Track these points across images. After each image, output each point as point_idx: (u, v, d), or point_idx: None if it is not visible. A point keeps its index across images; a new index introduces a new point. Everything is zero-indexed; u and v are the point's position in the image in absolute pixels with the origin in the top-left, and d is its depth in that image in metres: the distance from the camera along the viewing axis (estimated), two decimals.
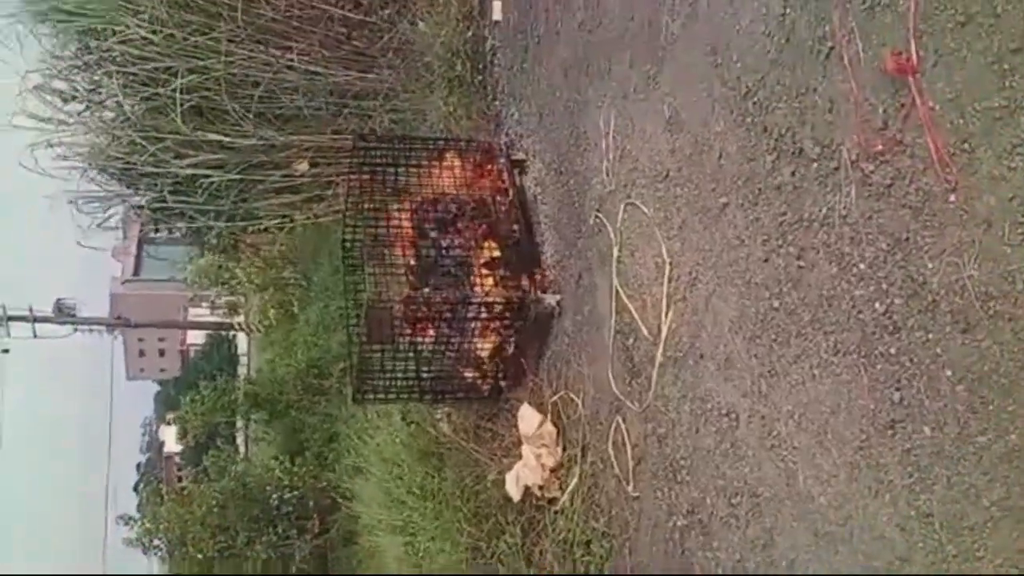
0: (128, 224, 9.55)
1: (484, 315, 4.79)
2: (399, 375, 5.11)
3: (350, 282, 5.26)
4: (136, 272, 32.59)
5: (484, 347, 5.00)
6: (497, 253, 4.96)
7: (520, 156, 5.24)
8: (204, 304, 18.59)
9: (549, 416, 4.65)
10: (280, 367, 10.56)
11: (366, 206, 5.24)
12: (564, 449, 4.53)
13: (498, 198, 5.14)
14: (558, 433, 4.58)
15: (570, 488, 4.41)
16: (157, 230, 11.58)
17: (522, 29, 5.18)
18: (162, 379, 49.94)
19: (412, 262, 5.06)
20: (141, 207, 7.91)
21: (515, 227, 4.99)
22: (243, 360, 22.47)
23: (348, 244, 5.21)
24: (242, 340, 22.71)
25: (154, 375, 51.39)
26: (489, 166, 5.29)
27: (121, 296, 34.04)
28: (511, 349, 4.97)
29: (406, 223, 5.17)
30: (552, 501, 4.55)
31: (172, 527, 9.23)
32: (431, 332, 4.96)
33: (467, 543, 5.05)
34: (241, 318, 15.79)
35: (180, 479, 22.16)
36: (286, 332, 11.33)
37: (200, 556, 8.85)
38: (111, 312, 25.73)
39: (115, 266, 33.23)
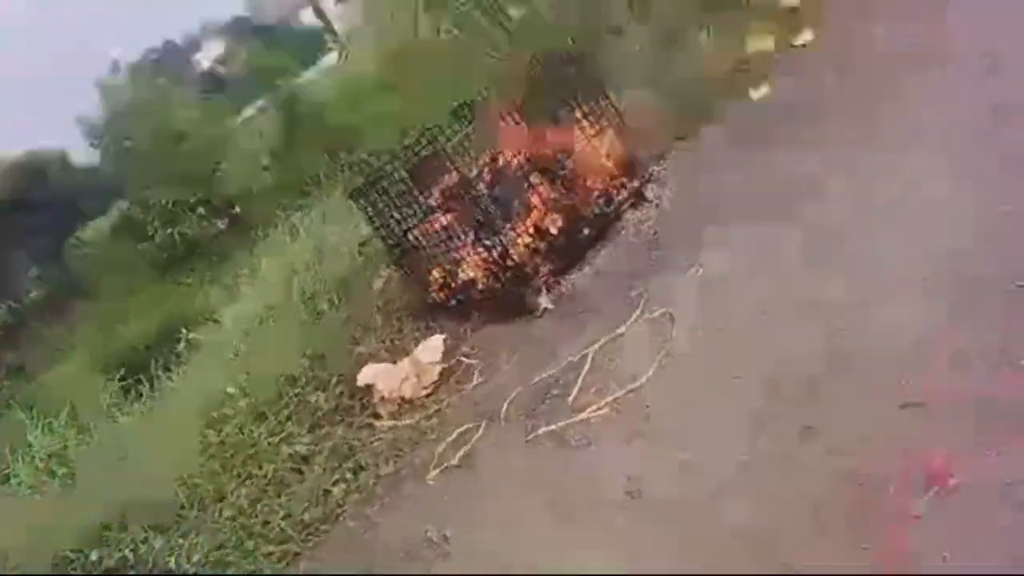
0: None
1: (489, 256, 4.75)
2: None
3: None
4: None
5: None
6: (553, 231, 4.86)
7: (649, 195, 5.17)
8: None
9: (447, 365, 4.62)
10: None
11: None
12: (428, 395, 4.49)
13: (604, 200, 5.05)
14: (437, 382, 4.54)
15: (397, 423, 4.37)
16: None
17: None
18: None
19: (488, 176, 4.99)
20: None
21: (588, 231, 4.93)
22: None
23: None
24: None
25: None
26: (622, 172, 5.20)
27: None
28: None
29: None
30: (376, 416, 4.51)
31: None
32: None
33: (296, 372, 4.99)
34: None
35: None
36: None
37: None
38: None
39: None
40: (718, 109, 5.52)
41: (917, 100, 4.19)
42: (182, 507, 4.18)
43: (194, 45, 24.27)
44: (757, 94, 5.75)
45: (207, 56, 24.20)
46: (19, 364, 11.78)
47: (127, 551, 4.00)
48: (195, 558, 3.84)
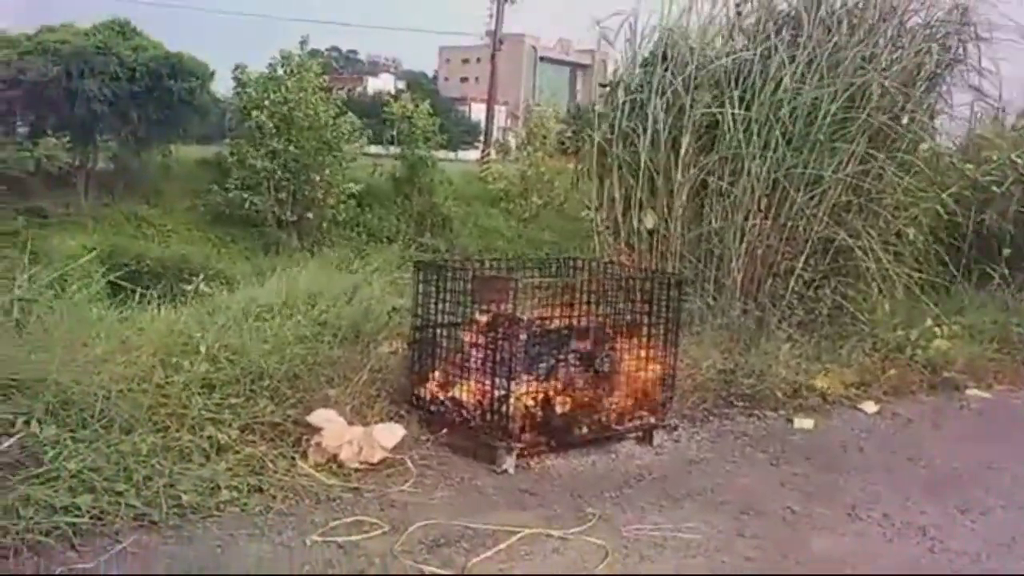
0: None
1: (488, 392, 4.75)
2: None
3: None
4: None
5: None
6: (558, 410, 4.87)
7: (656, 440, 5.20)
8: None
9: (390, 456, 4.57)
10: None
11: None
12: (356, 470, 4.43)
13: (614, 417, 5.08)
14: (372, 465, 4.48)
15: (314, 475, 4.30)
16: None
17: None
18: None
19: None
20: None
21: (585, 432, 4.93)
22: None
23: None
24: None
25: None
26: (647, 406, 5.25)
27: None
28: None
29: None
30: (303, 456, 4.45)
31: None
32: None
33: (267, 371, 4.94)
34: None
35: None
36: None
37: None
38: None
39: None
40: None
41: None
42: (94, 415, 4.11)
43: None
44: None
45: None
46: None
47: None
48: (71, 464, 3.74)
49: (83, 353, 4.58)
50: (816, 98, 7.28)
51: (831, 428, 5.93)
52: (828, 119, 7.23)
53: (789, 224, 7.37)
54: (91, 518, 3.60)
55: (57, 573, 3.30)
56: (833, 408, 6.29)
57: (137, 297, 6.32)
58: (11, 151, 20.82)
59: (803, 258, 7.39)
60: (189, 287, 6.08)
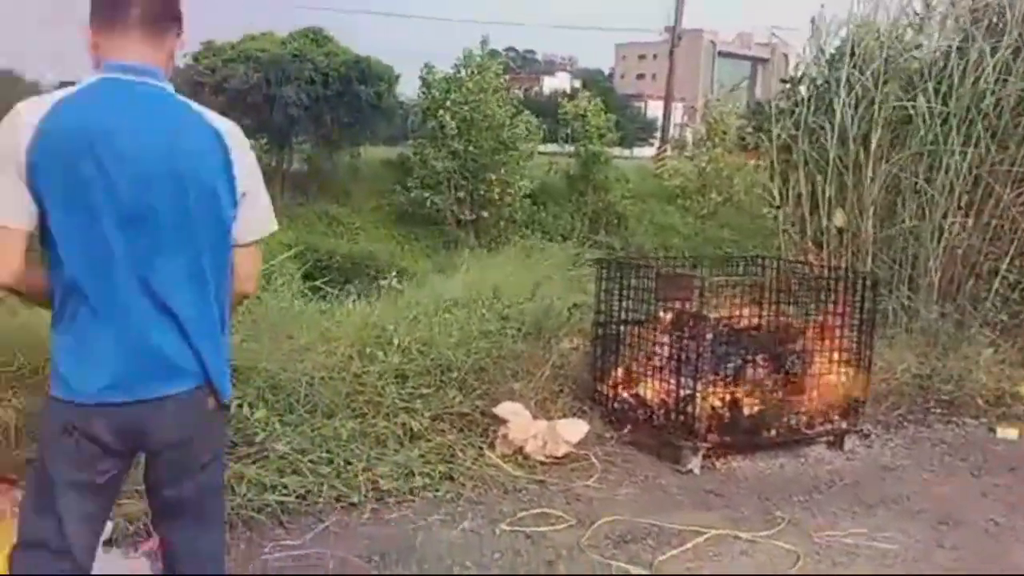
0: None
1: (673, 392, 4.72)
2: None
3: None
4: None
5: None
6: (745, 411, 4.79)
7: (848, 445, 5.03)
8: None
9: (574, 451, 4.63)
10: None
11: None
12: (541, 463, 4.51)
13: (805, 421, 4.95)
14: (557, 459, 4.55)
15: (502, 466, 4.41)
16: None
17: None
18: None
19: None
20: None
21: (773, 434, 4.83)
22: None
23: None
24: None
25: None
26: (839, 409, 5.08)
27: None
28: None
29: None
30: (490, 446, 4.57)
31: None
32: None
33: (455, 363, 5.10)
34: None
35: None
36: None
37: None
38: None
39: None
40: None
41: None
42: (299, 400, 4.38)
43: None
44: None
45: None
46: None
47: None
48: (279, 445, 4.00)
49: (288, 343, 4.88)
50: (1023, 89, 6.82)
51: None
52: None
53: (993, 223, 6.93)
54: (297, 497, 3.84)
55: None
56: None
57: (333, 292, 6.69)
58: None
59: (1008, 258, 6.93)
60: (383, 282, 6.36)
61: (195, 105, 2.13)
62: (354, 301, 6.25)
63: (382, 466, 4.15)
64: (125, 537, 3.40)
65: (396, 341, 5.07)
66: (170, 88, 2.11)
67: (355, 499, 3.92)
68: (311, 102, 22.41)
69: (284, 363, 4.57)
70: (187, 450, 2.15)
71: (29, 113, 1.97)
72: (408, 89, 27.65)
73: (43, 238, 2.03)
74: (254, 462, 3.95)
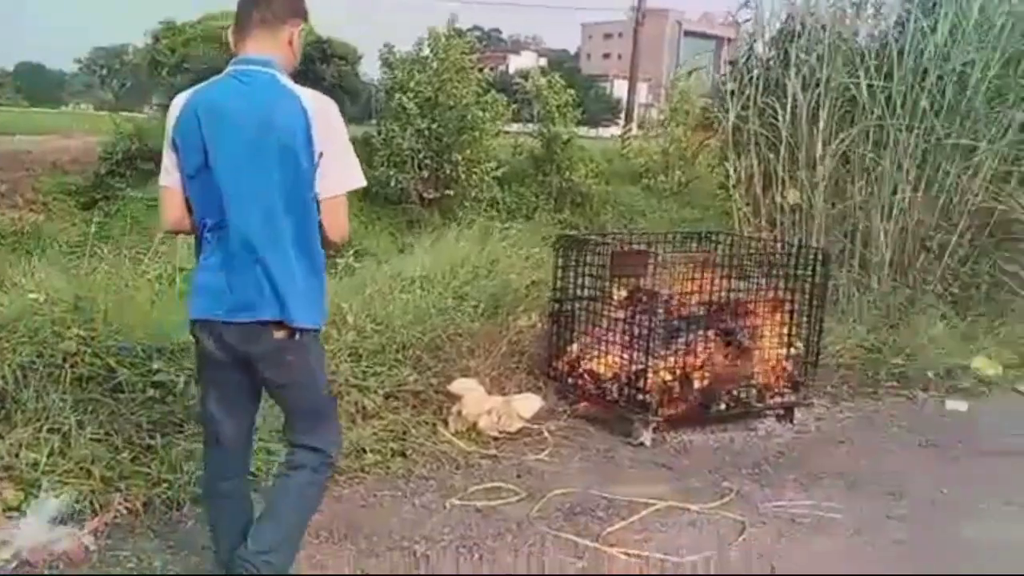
0: None
1: (625, 367, 4.77)
2: None
3: None
4: None
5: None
6: (696, 385, 4.85)
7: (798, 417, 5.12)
8: None
9: (528, 426, 4.68)
10: None
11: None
12: (494, 438, 4.54)
13: (755, 393, 5.02)
14: (510, 434, 4.59)
15: (455, 442, 4.44)
16: None
17: None
18: None
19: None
20: None
21: (724, 408, 4.90)
22: None
23: None
24: None
25: None
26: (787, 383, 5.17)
27: None
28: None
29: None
30: (444, 423, 4.59)
31: None
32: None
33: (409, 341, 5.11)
34: None
35: None
36: None
37: None
38: None
39: None
40: None
41: None
42: None
43: None
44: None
45: None
46: None
47: None
48: None
49: None
50: (965, 64, 6.91)
51: (987, 411, 5.66)
52: (984, 86, 6.86)
53: (943, 197, 7.03)
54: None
55: None
56: (990, 390, 6.00)
57: None
58: None
59: (958, 233, 7.05)
60: (340, 261, 6.33)
61: (292, 86, 2.62)
62: None
63: None
64: (73, 515, 3.39)
65: (351, 319, 5.06)
66: (278, 73, 2.64)
67: None
68: None
69: None
70: (269, 367, 2.66)
71: (178, 100, 2.65)
72: (372, 69, 27.44)
73: (186, 191, 2.64)
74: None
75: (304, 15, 2.78)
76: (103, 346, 4.10)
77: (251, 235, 2.56)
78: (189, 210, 2.67)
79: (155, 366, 4.14)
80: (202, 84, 2.68)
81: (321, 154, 2.57)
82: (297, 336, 2.62)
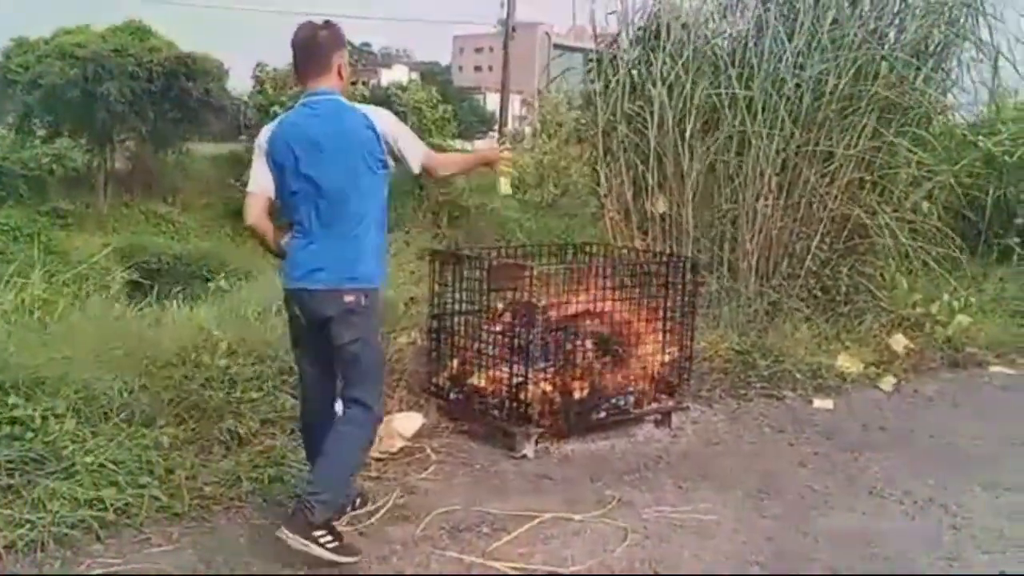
0: None
1: (506, 380, 4.79)
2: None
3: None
4: None
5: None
6: (576, 396, 4.89)
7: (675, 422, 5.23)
8: None
9: (410, 444, 4.65)
10: None
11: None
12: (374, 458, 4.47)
13: (633, 400, 5.11)
14: (391, 454, 4.53)
15: None
16: None
17: None
18: None
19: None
20: None
21: (604, 416, 4.96)
22: None
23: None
24: None
25: None
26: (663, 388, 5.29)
27: None
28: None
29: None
30: None
31: None
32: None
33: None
34: None
35: None
36: None
37: None
38: None
39: None
40: None
41: None
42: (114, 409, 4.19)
43: None
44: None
45: None
46: None
47: None
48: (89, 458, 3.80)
49: (106, 350, 4.64)
50: (821, 72, 7.23)
51: (851, 407, 5.92)
52: (836, 94, 7.18)
53: (803, 203, 7.33)
54: (115, 511, 3.66)
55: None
56: (853, 387, 6.28)
57: (156, 294, 6.41)
58: (30, 153, 21.08)
59: (818, 237, 7.36)
60: (210, 283, 6.15)
61: (352, 104, 3.50)
62: (178, 304, 6.01)
63: (207, 473, 4.02)
64: None
65: (224, 345, 4.91)
66: (338, 96, 3.51)
67: (178, 509, 3.77)
68: (134, 98, 21.31)
69: (99, 372, 4.35)
70: (333, 328, 3.43)
71: (270, 123, 3.60)
72: (239, 84, 26.79)
73: (279, 194, 3.49)
74: (66, 477, 3.73)
75: (344, 43, 3.57)
76: None
77: (335, 221, 3.40)
78: (269, 214, 3.55)
79: (11, 401, 3.92)
80: (281, 115, 3.61)
81: (395, 139, 3.50)
82: (362, 299, 3.40)
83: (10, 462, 3.71)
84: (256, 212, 3.53)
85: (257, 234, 3.63)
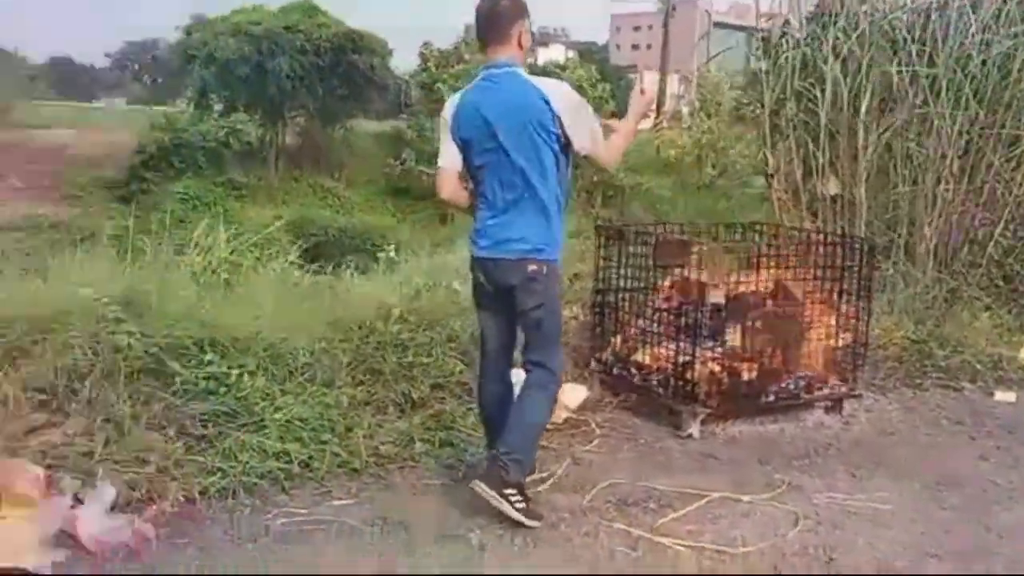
0: None
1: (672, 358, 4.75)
2: None
3: None
4: None
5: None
6: (744, 377, 4.81)
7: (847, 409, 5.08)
8: None
9: (574, 416, 4.71)
10: None
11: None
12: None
13: (804, 385, 4.98)
14: (557, 425, 4.57)
15: None
16: None
17: None
18: None
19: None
20: None
21: (772, 400, 4.86)
22: None
23: None
24: None
25: None
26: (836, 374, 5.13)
27: None
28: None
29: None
30: None
31: None
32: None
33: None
34: None
35: None
36: None
37: None
38: None
39: None
40: None
41: None
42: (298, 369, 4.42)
43: None
44: None
45: None
46: None
47: None
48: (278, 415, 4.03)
49: (288, 314, 4.88)
50: (1009, 48, 6.77)
51: None
52: None
53: (986, 188, 6.92)
54: (300, 464, 3.86)
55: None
56: None
57: (330, 264, 6.68)
58: (207, 127, 22.30)
59: (1001, 224, 6.94)
60: (381, 255, 6.35)
61: (529, 78, 3.52)
62: (351, 274, 6.24)
63: (383, 433, 4.18)
64: (130, 503, 3.43)
65: (397, 312, 5.07)
66: (518, 68, 3.56)
67: (356, 465, 3.94)
68: (304, 72, 22.21)
69: (284, 333, 4.58)
70: (518, 295, 3.57)
71: (453, 98, 3.69)
72: (402, 63, 27.47)
73: (466, 166, 3.62)
74: (256, 430, 3.96)
75: (525, 13, 3.60)
76: (152, 342, 4.13)
77: (517, 194, 3.50)
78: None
79: (207, 358, 4.18)
80: (463, 89, 3.69)
81: (565, 119, 3.49)
82: (544, 269, 3.51)
83: (204, 415, 3.97)
84: (450, 187, 3.70)
85: (452, 206, 3.89)
